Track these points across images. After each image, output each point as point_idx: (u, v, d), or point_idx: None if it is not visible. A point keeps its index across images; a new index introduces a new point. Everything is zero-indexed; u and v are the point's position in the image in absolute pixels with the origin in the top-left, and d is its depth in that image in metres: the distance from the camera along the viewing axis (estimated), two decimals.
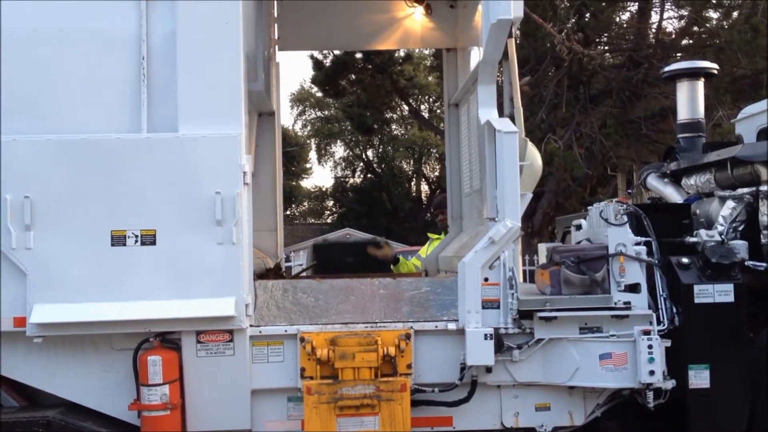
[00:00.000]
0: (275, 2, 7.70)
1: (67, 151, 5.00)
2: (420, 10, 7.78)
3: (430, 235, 8.61)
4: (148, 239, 5.00)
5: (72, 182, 4.98)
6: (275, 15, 7.72)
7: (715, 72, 7.58)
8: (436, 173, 34.47)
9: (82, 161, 5.00)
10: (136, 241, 4.99)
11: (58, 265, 4.94)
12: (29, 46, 5.11)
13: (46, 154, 4.98)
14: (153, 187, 5.03)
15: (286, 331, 5.24)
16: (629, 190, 17.54)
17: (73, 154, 5.00)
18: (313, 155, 41.54)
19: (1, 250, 4.93)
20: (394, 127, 34.06)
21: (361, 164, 41.22)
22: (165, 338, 5.10)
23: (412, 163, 35.27)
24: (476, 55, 7.32)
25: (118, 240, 4.99)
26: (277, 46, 7.77)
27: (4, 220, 4.91)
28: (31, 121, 5.05)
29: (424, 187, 36.36)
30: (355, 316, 5.34)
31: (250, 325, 5.17)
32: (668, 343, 5.20)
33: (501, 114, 5.69)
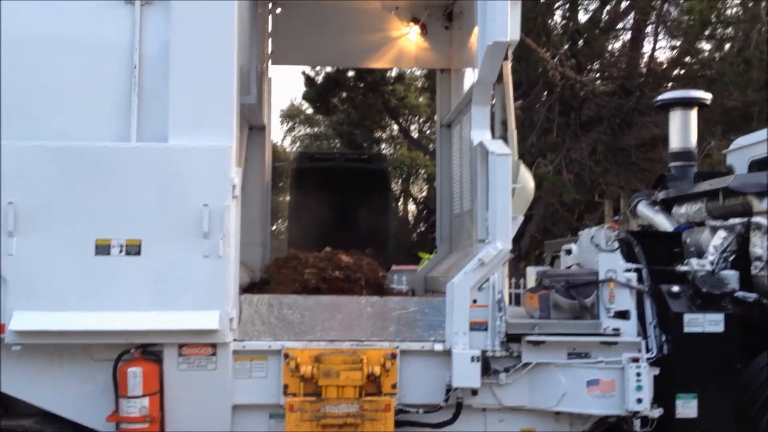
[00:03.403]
0: (270, 16, 7.68)
1: (54, 158, 4.93)
2: (416, 29, 7.79)
3: (420, 254, 8.58)
4: (133, 249, 4.93)
5: (58, 189, 4.92)
6: (269, 29, 7.70)
7: (708, 102, 7.59)
8: (424, 193, 34.48)
9: (68, 168, 4.94)
10: (121, 251, 4.92)
11: (40, 272, 4.86)
12: (20, 51, 5.06)
13: (33, 159, 4.91)
14: (140, 197, 4.97)
15: (270, 346, 5.17)
16: (616, 218, 17.56)
17: (60, 161, 4.93)
18: None
19: None
20: (383, 146, 34.07)
21: None
22: (146, 350, 5.01)
23: (400, 182, 35.27)
24: (470, 77, 7.33)
25: (102, 249, 4.91)
26: (270, 60, 7.74)
27: None
28: (19, 126, 4.98)
29: (412, 207, 36.35)
30: (341, 333, 5.27)
31: (234, 340, 5.10)
32: (656, 371, 5.17)
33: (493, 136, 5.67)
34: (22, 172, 4.89)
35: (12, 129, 4.97)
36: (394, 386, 5.14)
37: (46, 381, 5.01)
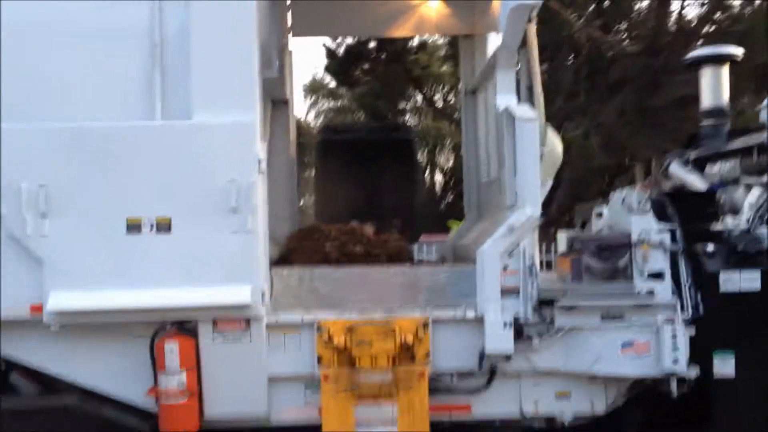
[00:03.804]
0: None
1: (82, 140, 4.96)
2: None
3: (449, 223, 8.54)
4: (164, 227, 4.96)
5: (87, 170, 4.95)
6: (288, 1, 7.65)
7: (739, 58, 7.44)
8: (450, 163, 34.34)
9: (97, 149, 4.96)
10: (152, 229, 4.96)
11: (73, 252, 4.92)
12: (46, 35, 5.08)
13: (62, 142, 4.95)
14: (168, 175, 4.99)
15: (302, 319, 5.19)
16: (648, 179, 17.37)
17: (88, 142, 4.96)
18: None
19: (17, 238, 4.89)
20: (408, 117, 33.91)
21: None
22: (182, 325, 5.07)
23: (426, 153, 35.15)
24: (494, 42, 7.24)
25: (133, 228, 4.95)
26: (290, 33, 7.70)
27: (20, 208, 4.88)
28: (47, 109, 5.01)
29: (439, 177, 36.26)
30: (372, 303, 5.29)
31: (267, 313, 5.13)
32: (692, 332, 5.12)
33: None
34: (52, 154, 4.93)
35: (39, 113, 5.00)
36: (427, 354, 5.15)
37: (85, 358, 5.09)
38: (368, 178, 7.93)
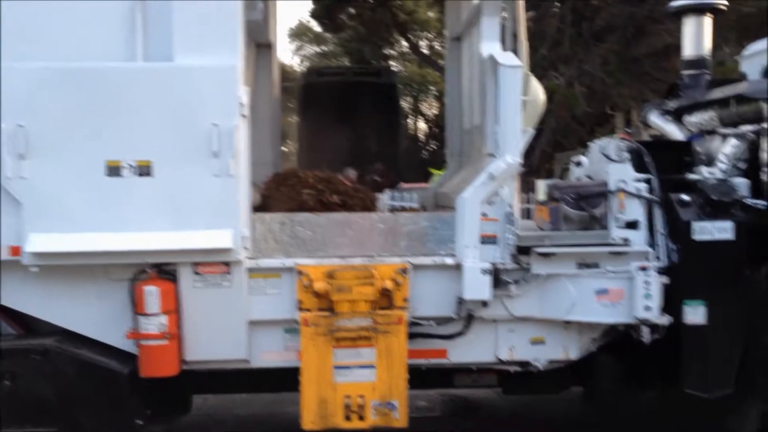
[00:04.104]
0: None
1: (62, 79, 4.92)
2: None
3: (432, 171, 8.55)
4: (144, 170, 4.96)
5: (67, 111, 4.92)
6: None
7: (723, 8, 7.42)
8: (434, 111, 34.19)
9: (77, 89, 4.92)
10: (132, 172, 4.95)
11: (53, 194, 4.91)
12: None
13: (42, 82, 4.90)
14: (149, 118, 4.96)
15: (283, 264, 5.24)
16: (628, 129, 17.41)
17: (68, 83, 4.92)
18: None
19: None
20: (392, 63, 33.66)
21: None
22: (162, 269, 5.09)
23: (411, 100, 34.96)
24: None
25: (113, 170, 4.94)
26: None
27: None
28: (27, 48, 4.95)
29: (422, 125, 36.11)
30: (352, 249, 5.33)
31: (248, 258, 5.17)
32: (665, 280, 5.21)
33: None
34: (31, 94, 4.89)
35: (19, 51, 4.94)
36: (405, 300, 5.22)
37: (65, 301, 5.12)
38: (351, 123, 7.85)
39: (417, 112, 35.39)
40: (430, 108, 34.91)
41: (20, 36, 4.98)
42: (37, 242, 4.88)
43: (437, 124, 31.99)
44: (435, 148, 32.05)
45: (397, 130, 8.56)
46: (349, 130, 7.48)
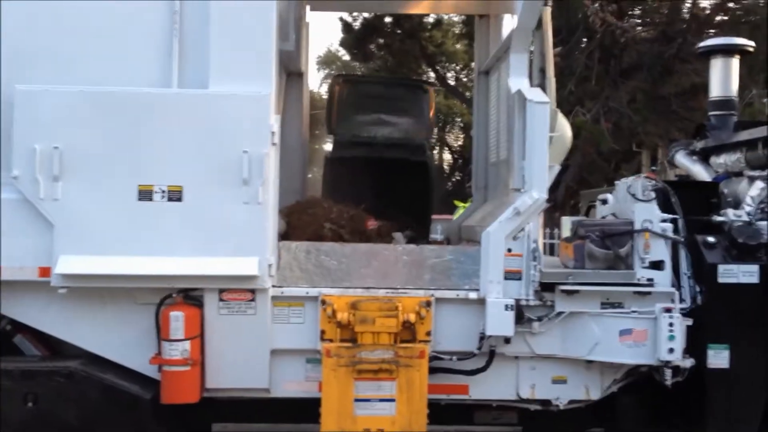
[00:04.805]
0: None
1: (97, 103, 5.00)
2: None
3: (456, 203, 8.56)
4: (175, 195, 5.02)
5: (101, 135, 4.99)
6: None
7: (751, 50, 7.44)
8: (460, 142, 34.30)
9: (111, 114, 5.01)
10: (163, 197, 5.01)
11: (84, 216, 4.97)
12: None
13: (77, 105, 4.99)
14: (181, 144, 5.03)
15: (307, 293, 5.26)
16: (653, 168, 17.36)
17: (103, 107, 5.00)
18: None
19: (29, 200, 4.96)
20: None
21: None
22: (188, 294, 5.14)
23: (436, 131, 35.13)
24: (509, 23, 7.24)
25: (144, 195, 5.01)
26: (308, 6, 7.70)
27: (33, 170, 4.94)
28: (63, 72, 5.06)
29: (447, 156, 36.19)
30: (377, 281, 5.35)
31: (273, 286, 5.19)
32: (690, 322, 5.18)
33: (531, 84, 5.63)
34: (66, 117, 4.97)
35: (56, 75, 5.05)
36: (428, 333, 5.21)
37: (91, 324, 5.16)
38: (378, 202, 7.56)
39: (442, 143, 35.49)
40: (456, 139, 35.00)
41: (58, 60, 5.09)
42: (67, 264, 4.93)
43: (462, 156, 32.04)
44: (459, 179, 32.07)
45: (427, 203, 8.41)
46: (377, 206, 7.31)
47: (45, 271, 4.99)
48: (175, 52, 5.12)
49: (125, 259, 4.97)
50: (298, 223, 5.92)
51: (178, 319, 4.98)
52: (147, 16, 5.14)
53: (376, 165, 7.84)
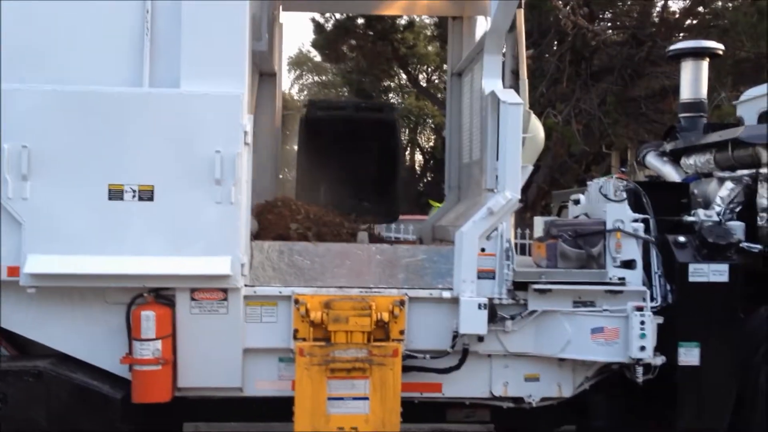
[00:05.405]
0: None
1: (67, 102, 4.95)
2: None
3: (431, 202, 8.66)
4: (146, 195, 4.98)
5: (71, 134, 4.94)
6: None
7: (720, 53, 7.55)
8: (431, 143, 34.42)
9: (82, 113, 4.96)
10: (134, 196, 4.97)
11: (54, 216, 4.92)
12: None
13: (47, 104, 4.94)
14: (152, 143, 5.00)
15: (280, 292, 5.24)
16: (623, 168, 17.53)
17: (73, 106, 4.95)
18: None
19: None
20: (391, 95, 33.90)
21: None
22: (159, 294, 5.10)
23: (407, 132, 35.17)
24: (482, 25, 7.27)
25: (115, 194, 4.96)
26: (281, 6, 7.68)
27: (0, 170, 4.87)
28: (33, 70, 4.99)
29: (419, 157, 36.31)
30: (350, 280, 5.34)
31: (245, 285, 5.17)
32: (660, 320, 5.24)
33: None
34: (36, 116, 4.92)
35: (26, 73, 4.98)
36: (402, 332, 5.22)
37: (60, 323, 5.11)
38: (351, 156, 7.97)
39: (414, 143, 35.57)
40: (427, 140, 35.11)
41: (26, 58, 5.02)
42: (36, 263, 4.88)
43: (434, 156, 32.14)
44: (431, 179, 32.16)
45: (395, 164, 8.67)
46: (348, 162, 7.59)
47: (14, 271, 4.93)
48: (147, 51, 5.07)
49: (95, 259, 4.92)
50: (263, 222, 5.91)
51: (149, 318, 4.94)
52: (118, 15, 5.09)
53: (348, 124, 8.05)
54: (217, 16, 5.06)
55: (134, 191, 4.97)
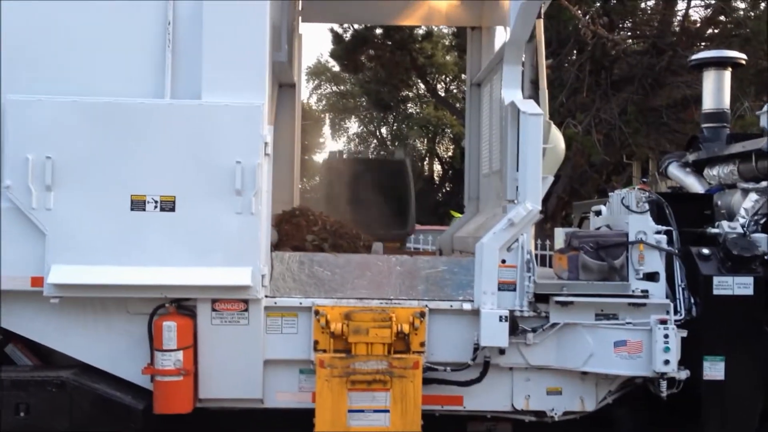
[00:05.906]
0: None
1: (90, 114, 4.98)
2: None
3: (452, 213, 8.88)
4: (168, 205, 5.00)
5: (94, 145, 4.98)
6: None
7: (743, 62, 7.49)
8: (449, 153, 34.39)
9: (105, 124, 4.99)
10: (156, 207, 4.99)
11: (77, 226, 4.95)
12: (57, 7, 5.09)
13: (70, 115, 4.97)
14: (174, 154, 5.02)
15: (301, 303, 5.24)
16: (644, 179, 17.41)
17: (96, 117, 4.98)
18: (326, 129, 41.46)
19: (21, 210, 4.92)
20: (409, 105, 33.92)
21: (375, 141, 41.14)
22: (180, 305, 5.11)
23: (425, 142, 35.15)
24: (501, 35, 7.28)
25: (137, 204, 4.98)
26: (300, 18, 7.71)
27: (25, 180, 4.91)
28: (56, 82, 5.03)
29: (437, 167, 36.28)
30: (370, 291, 5.33)
31: (266, 296, 5.17)
32: (684, 333, 5.18)
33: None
34: (59, 127, 4.95)
35: (48, 85, 5.02)
36: (422, 344, 5.20)
37: (83, 333, 5.13)
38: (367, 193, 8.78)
39: (432, 153, 35.57)
40: (446, 150, 35.08)
41: (50, 70, 5.07)
42: (59, 274, 4.90)
43: (452, 167, 32.11)
44: (449, 189, 32.13)
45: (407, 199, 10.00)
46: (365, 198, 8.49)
47: (37, 281, 4.96)
48: (168, 62, 5.10)
49: (118, 269, 4.95)
50: (280, 233, 5.94)
51: (170, 329, 4.95)
52: (140, 28, 5.13)
53: (365, 164, 8.72)
54: (237, 28, 5.09)
55: (156, 202, 4.99)
